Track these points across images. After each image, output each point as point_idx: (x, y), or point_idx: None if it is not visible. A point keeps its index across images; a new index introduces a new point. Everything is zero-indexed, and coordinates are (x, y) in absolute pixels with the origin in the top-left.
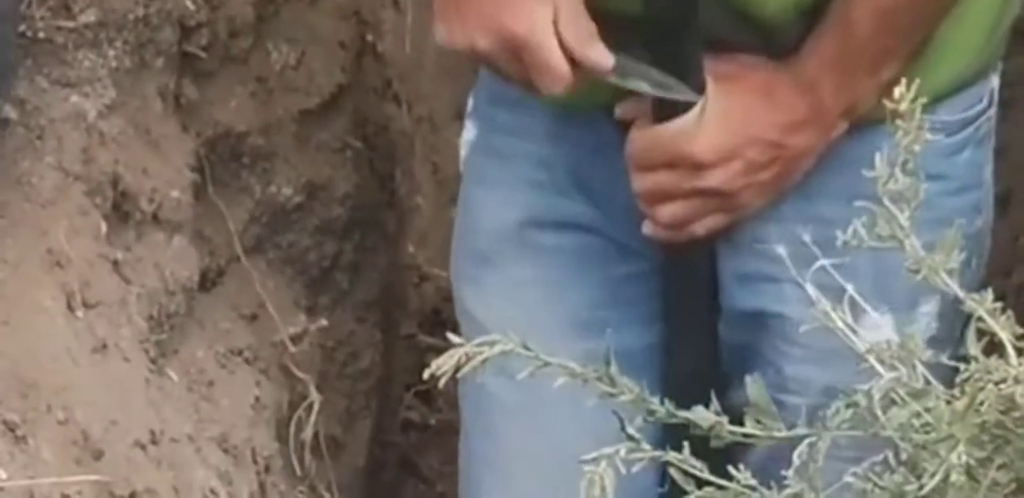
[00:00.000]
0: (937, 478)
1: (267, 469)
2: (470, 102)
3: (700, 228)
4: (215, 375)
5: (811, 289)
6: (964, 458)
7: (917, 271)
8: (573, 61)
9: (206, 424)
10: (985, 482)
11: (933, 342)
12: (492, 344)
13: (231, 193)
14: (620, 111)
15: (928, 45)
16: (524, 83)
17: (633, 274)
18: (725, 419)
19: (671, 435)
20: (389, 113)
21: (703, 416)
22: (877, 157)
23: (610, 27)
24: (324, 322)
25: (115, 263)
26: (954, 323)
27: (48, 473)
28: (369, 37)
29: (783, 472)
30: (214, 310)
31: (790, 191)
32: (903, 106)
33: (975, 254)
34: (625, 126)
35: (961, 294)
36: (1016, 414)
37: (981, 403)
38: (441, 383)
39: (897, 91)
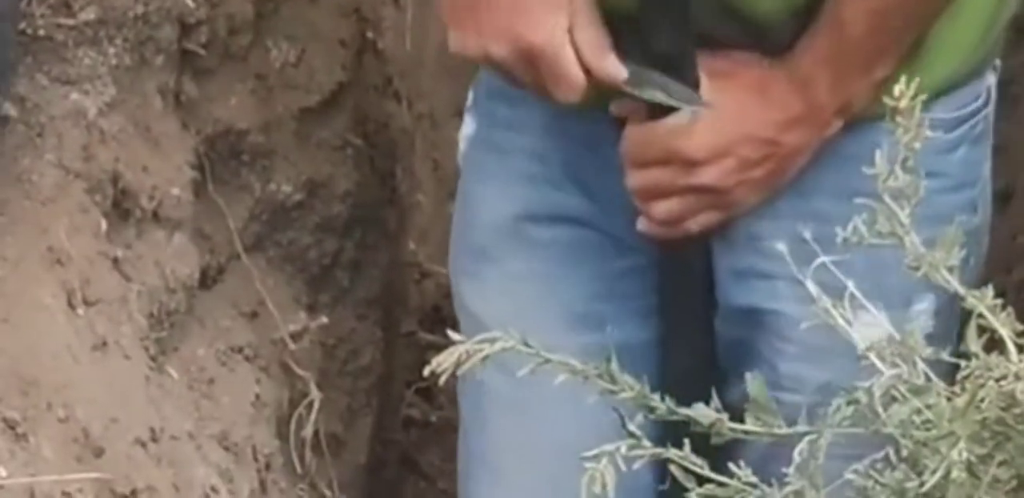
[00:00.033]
0: (938, 475)
1: (268, 467)
2: (470, 96)
3: (694, 225)
4: (215, 373)
5: (811, 286)
6: (965, 455)
7: (917, 268)
8: (587, 69)
9: (206, 422)
10: (986, 479)
11: (930, 340)
12: (493, 341)
13: (231, 191)
14: (616, 108)
15: (923, 43)
16: (538, 90)
17: (629, 268)
18: (726, 416)
19: (668, 432)
20: (389, 110)
21: (704, 413)
22: (877, 154)
23: (604, 24)
24: (324, 320)
25: (115, 261)
26: (951, 321)
27: (49, 471)
28: (369, 34)
29: (783, 470)
30: (214, 308)
31: (785, 188)
32: (903, 103)
33: (972, 252)
34: (621, 122)
35: (962, 291)
36: (1017, 411)
37: (982, 400)
38: (442, 380)
39: (897, 88)
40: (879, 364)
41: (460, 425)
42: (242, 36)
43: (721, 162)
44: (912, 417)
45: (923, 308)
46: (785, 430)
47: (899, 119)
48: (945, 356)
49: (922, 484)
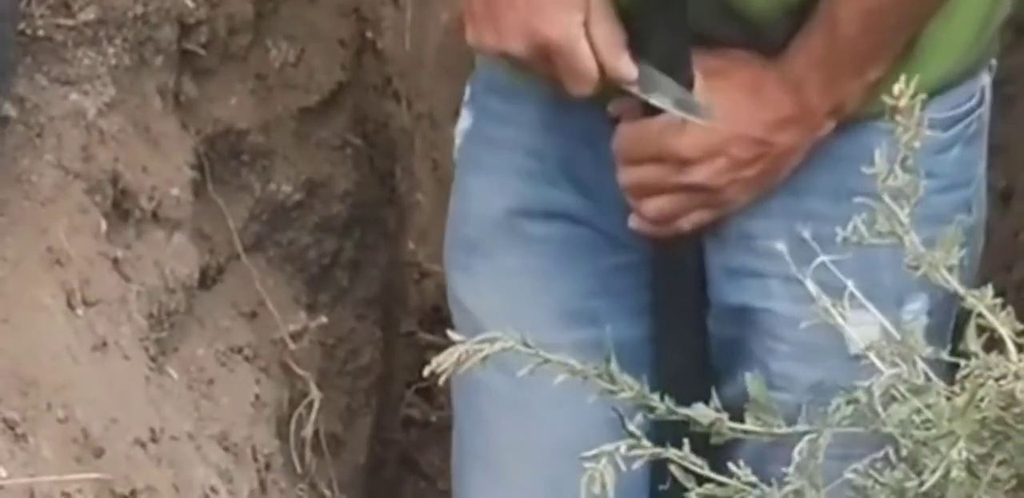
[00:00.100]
0: (937, 474)
1: (267, 467)
2: (467, 91)
3: (686, 223)
4: (215, 373)
5: (811, 285)
6: (964, 454)
7: (917, 267)
8: (599, 65)
9: (206, 422)
10: (985, 478)
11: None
12: (493, 341)
13: (231, 191)
14: (613, 108)
15: (917, 43)
16: (553, 82)
17: (622, 265)
18: (725, 416)
19: (664, 431)
20: (389, 110)
21: (704, 413)
22: (876, 154)
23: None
24: (324, 319)
25: (115, 261)
26: (945, 321)
27: (48, 471)
28: (369, 34)
29: (782, 469)
30: (214, 308)
31: (779, 187)
32: (902, 102)
33: (967, 252)
34: (617, 118)
35: (961, 290)
36: (1016, 410)
37: (981, 399)
38: (441, 380)
39: (896, 87)
40: (878, 363)
41: (454, 423)
42: (242, 36)
43: (713, 161)
44: (912, 416)
45: (916, 308)
46: (785, 430)
47: (898, 118)
48: (944, 356)
49: (922, 484)
